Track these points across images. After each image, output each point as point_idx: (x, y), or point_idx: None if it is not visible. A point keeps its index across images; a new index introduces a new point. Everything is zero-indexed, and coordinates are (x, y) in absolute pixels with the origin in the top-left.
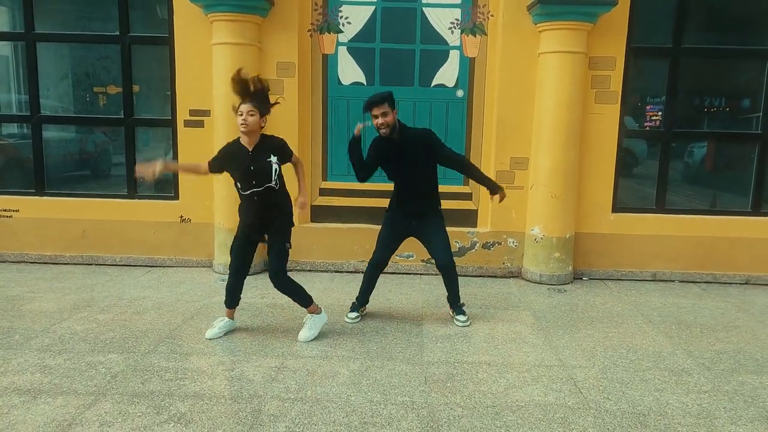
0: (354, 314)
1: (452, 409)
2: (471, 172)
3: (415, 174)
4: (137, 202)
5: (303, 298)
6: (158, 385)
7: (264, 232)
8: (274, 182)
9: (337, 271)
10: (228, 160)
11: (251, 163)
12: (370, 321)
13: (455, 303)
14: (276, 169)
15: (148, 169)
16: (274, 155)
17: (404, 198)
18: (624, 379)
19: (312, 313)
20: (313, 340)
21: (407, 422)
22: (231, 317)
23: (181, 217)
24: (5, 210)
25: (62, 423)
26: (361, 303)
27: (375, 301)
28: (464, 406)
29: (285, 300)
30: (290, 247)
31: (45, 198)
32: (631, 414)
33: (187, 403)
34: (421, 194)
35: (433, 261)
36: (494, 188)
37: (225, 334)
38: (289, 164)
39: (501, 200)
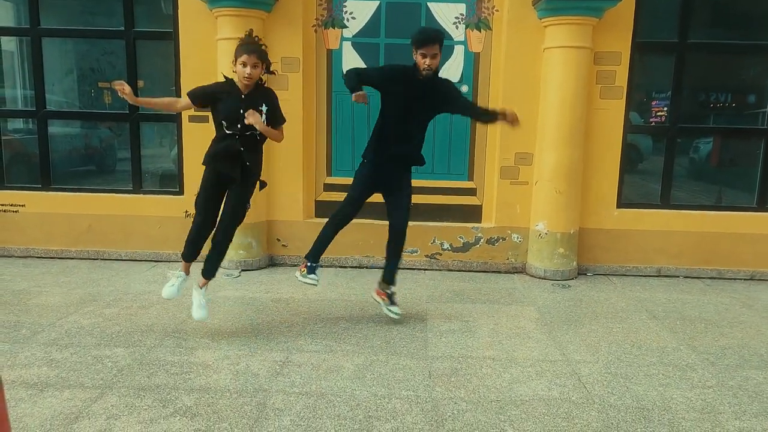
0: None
1: (456, 403)
2: (481, 114)
3: (423, 117)
4: (142, 197)
5: (211, 270)
6: (164, 379)
7: (234, 177)
8: (258, 132)
9: (341, 266)
10: (218, 97)
11: (243, 107)
12: (374, 316)
13: (392, 281)
14: (264, 120)
15: (123, 86)
16: (266, 106)
17: (394, 139)
18: (628, 374)
19: (186, 272)
20: (318, 335)
21: (411, 416)
22: (187, 272)
23: (186, 212)
24: (11, 205)
25: (69, 416)
26: (314, 258)
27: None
28: (468, 401)
29: (289, 295)
30: (249, 208)
31: (51, 193)
32: (635, 409)
33: (193, 396)
34: (415, 140)
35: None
36: (503, 114)
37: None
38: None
39: (514, 122)
